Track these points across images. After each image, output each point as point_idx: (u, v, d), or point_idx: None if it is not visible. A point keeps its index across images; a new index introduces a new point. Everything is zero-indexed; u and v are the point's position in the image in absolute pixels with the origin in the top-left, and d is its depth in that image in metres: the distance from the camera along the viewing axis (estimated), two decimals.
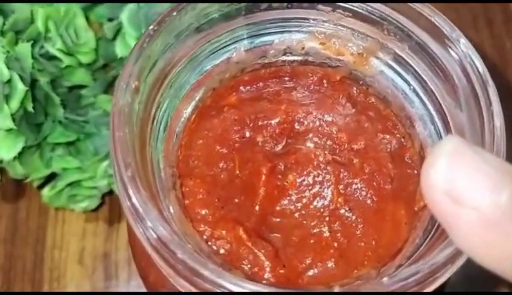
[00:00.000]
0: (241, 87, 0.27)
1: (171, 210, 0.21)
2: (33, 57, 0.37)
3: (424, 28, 0.22)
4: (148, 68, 0.21)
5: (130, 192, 0.17)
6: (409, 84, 0.24)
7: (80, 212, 0.44)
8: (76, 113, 0.41)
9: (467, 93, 0.21)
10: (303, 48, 0.26)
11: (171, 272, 0.17)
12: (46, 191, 0.39)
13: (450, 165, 0.15)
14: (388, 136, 0.25)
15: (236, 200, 0.24)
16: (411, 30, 0.23)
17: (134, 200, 0.17)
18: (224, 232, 0.22)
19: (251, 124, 0.26)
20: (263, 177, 0.24)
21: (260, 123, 0.26)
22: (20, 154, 0.37)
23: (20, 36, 0.37)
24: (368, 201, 0.24)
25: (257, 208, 0.24)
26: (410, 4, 0.21)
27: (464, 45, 0.21)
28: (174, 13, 0.21)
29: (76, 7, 0.38)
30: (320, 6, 0.24)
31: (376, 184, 0.24)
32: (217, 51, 0.25)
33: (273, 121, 0.26)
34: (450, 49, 0.21)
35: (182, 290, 0.19)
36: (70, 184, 0.39)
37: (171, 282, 0.23)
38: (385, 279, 0.16)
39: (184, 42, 0.23)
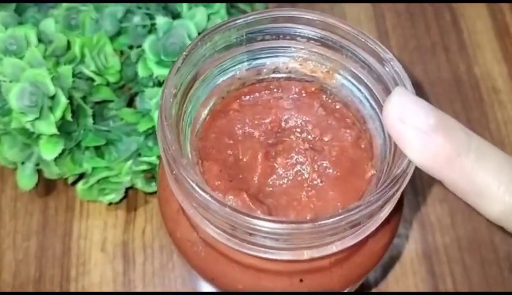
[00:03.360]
0: (242, 97, 0.31)
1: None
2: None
3: (369, 52, 0.27)
4: (181, 81, 0.26)
5: (178, 158, 0.25)
6: (362, 92, 0.29)
7: (101, 208, 0.51)
8: (101, 124, 0.48)
9: None
10: (287, 68, 0.30)
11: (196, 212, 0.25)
12: (80, 186, 0.46)
13: (400, 100, 0.22)
14: (348, 130, 0.30)
15: (241, 176, 0.28)
16: (361, 54, 0.28)
17: (179, 166, 0.25)
18: (232, 197, 0.27)
19: (250, 123, 0.30)
20: (260, 160, 0.28)
21: (256, 122, 0.30)
22: (56, 157, 0.44)
23: (58, 60, 0.45)
24: (334, 176, 0.28)
25: (255, 181, 0.28)
26: (358, 36, 0.28)
27: (394, 64, 0.26)
28: (199, 43, 0.28)
29: (105, 37, 0.46)
30: (298, 38, 0.29)
31: (340, 164, 0.29)
32: (225, 70, 0.30)
33: (266, 121, 0.30)
34: (385, 67, 0.27)
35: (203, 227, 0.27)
36: (99, 180, 0.45)
37: (193, 236, 0.31)
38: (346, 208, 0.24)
39: (204, 63, 0.28)
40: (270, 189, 0.29)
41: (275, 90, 0.31)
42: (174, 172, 0.25)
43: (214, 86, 0.30)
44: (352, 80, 0.30)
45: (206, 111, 0.30)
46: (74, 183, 0.49)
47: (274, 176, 0.29)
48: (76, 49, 0.44)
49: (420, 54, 0.62)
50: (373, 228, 0.26)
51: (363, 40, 0.28)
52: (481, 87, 0.60)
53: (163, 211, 0.31)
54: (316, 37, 0.29)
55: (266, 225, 0.24)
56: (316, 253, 0.26)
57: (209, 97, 0.30)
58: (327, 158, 0.29)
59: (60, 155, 0.45)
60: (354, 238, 0.26)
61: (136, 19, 0.48)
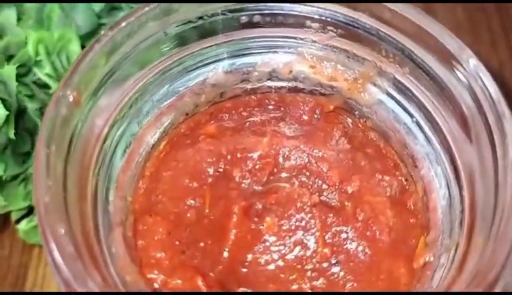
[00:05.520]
0: (222, 115, 0.24)
1: (113, 250, 0.17)
2: (23, 82, 0.35)
3: (427, 47, 0.19)
4: (97, 79, 0.19)
5: (44, 220, 0.14)
6: (411, 115, 0.22)
7: None
8: None
9: (478, 124, 0.18)
10: (290, 71, 0.24)
11: None
12: (22, 225, 0.37)
13: None
14: (387, 177, 0.23)
15: (202, 244, 0.21)
16: (412, 50, 0.20)
17: (47, 232, 0.14)
18: (180, 281, 0.19)
19: (228, 157, 0.23)
20: (235, 218, 0.21)
21: (239, 155, 0.23)
22: (3, 184, 0.35)
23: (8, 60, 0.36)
24: (360, 254, 0.21)
25: (225, 254, 0.21)
26: (408, 19, 0.19)
27: (474, 67, 0.18)
28: (132, 18, 0.18)
29: (71, 33, 0.37)
30: (308, 22, 0.21)
31: (370, 233, 0.21)
32: (191, 70, 0.23)
33: (254, 155, 0.24)
34: (457, 72, 0.19)
35: None
36: None
37: None
38: None
39: (147, 55, 0.20)
40: (247, 270, 0.21)
41: (271, 107, 0.26)
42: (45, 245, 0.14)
43: (173, 96, 0.23)
44: (396, 94, 0.23)
45: (157, 135, 0.23)
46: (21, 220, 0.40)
47: (258, 247, 0.22)
48: (30, 46, 0.35)
49: (476, 52, 0.55)
50: None
51: (417, 25, 0.19)
52: None
53: None
54: (338, 21, 0.21)
55: None
56: None
57: (163, 112, 0.23)
58: (349, 222, 0.23)
59: (9, 181, 0.37)
60: None
61: (122, 15, 0.38)
